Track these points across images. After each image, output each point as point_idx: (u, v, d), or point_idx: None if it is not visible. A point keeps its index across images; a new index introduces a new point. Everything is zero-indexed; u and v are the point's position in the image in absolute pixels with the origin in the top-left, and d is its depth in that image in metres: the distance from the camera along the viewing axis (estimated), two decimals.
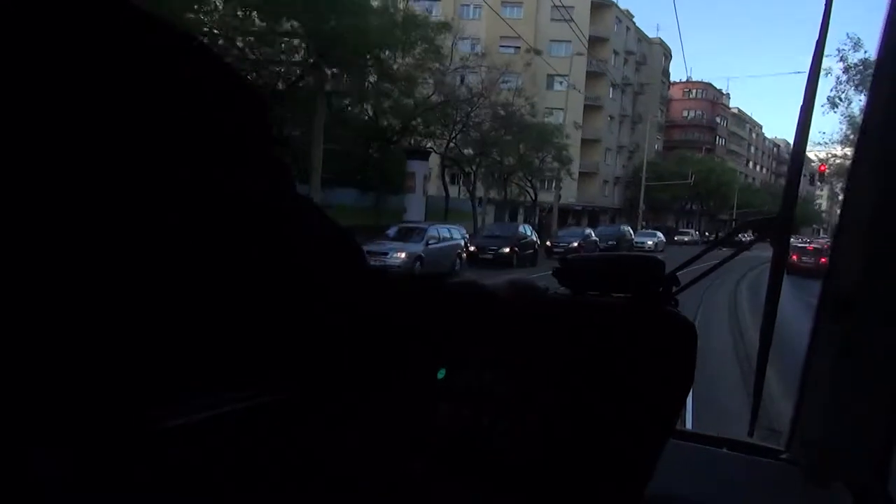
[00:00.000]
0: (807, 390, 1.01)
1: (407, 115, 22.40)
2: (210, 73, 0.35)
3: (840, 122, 28.44)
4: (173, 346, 0.29)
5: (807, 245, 20.53)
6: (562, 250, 21.17)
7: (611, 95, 49.53)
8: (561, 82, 42.29)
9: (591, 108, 47.60)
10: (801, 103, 0.94)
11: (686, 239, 47.35)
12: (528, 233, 21.09)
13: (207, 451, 0.29)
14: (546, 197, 40.97)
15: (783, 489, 0.96)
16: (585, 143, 47.36)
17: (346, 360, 0.38)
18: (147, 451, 0.28)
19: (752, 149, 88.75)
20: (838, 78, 19.17)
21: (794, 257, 18.36)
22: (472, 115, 24.92)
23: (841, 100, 19.46)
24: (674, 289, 0.74)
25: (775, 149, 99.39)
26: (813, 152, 35.82)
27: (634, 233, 33.39)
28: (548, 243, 22.98)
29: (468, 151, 26.87)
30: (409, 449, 0.46)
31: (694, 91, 71.52)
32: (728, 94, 77.40)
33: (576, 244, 22.97)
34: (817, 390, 0.99)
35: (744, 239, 0.94)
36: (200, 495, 0.29)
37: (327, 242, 0.40)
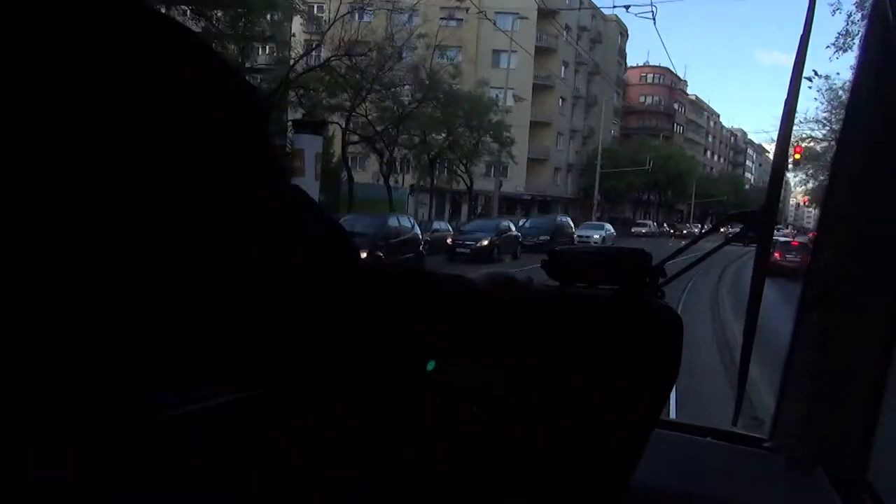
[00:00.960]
0: (789, 380, 1.03)
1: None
2: (208, 71, 0.35)
3: (817, 99, 24.71)
4: (171, 343, 0.29)
5: (790, 240, 16.74)
6: (467, 250, 16.82)
7: (563, 75, 45.35)
8: (508, 57, 37.83)
9: (541, 88, 43.30)
10: (785, 96, 0.96)
11: (644, 230, 43.77)
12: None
13: (203, 449, 0.29)
14: (489, 185, 36.68)
15: (766, 477, 0.98)
16: (535, 126, 43.13)
17: (344, 357, 0.37)
18: (144, 449, 0.28)
19: (710, 137, 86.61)
20: (850, 14, 15.48)
21: (777, 255, 14.65)
22: (382, 78, 20.05)
23: (851, 39, 15.61)
24: (660, 280, 0.75)
25: (732, 138, 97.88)
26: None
27: (579, 225, 29.13)
28: (448, 240, 17.55)
29: (395, 130, 22.23)
30: (408, 445, 0.47)
31: (651, 76, 68.33)
32: (685, 80, 74.70)
33: (486, 242, 16.83)
34: (799, 380, 1.01)
35: (728, 232, 0.96)
36: (197, 493, 0.29)
37: (324, 240, 0.40)
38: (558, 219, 25.87)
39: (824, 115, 27.41)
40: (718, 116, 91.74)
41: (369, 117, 20.87)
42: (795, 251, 15.41)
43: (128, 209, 0.28)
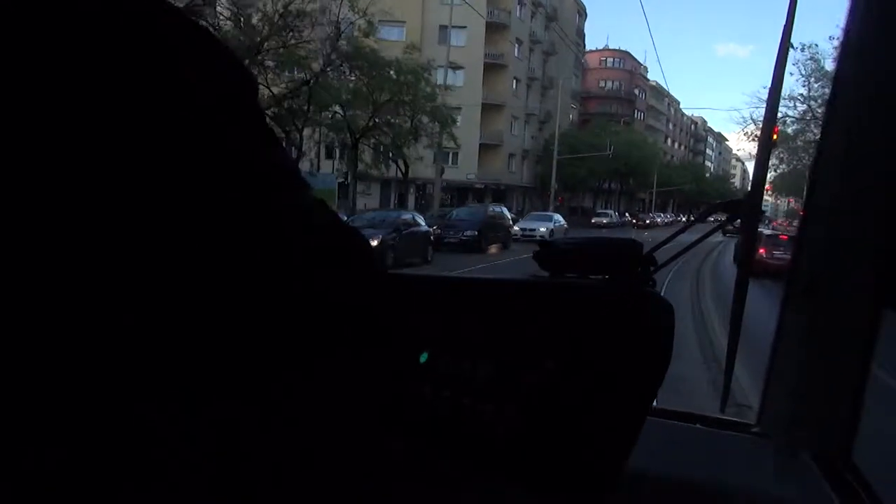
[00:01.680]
0: (775, 366, 1.05)
1: None
2: (211, 60, 0.34)
3: (793, 74, 21.84)
4: (171, 343, 0.28)
5: (778, 234, 13.76)
6: (455, 240, 15.14)
7: (517, 54, 42.07)
8: (459, 31, 34.33)
9: (493, 68, 39.95)
10: (770, 82, 1.00)
11: (604, 221, 40.83)
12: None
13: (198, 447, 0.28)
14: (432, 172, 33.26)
15: (754, 462, 1.00)
16: (488, 109, 39.81)
17: (347, 358, 0.36)
18: (141, 449, 0.27)
19: (671, 125, 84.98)
20: None
21: (762, 251, 11.74)
22: (282, 38, 16.16)
23: None
24: (650, 269, 0.76)
25: (692, 126, 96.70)
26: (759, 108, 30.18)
27: (523, 216, 25.74)
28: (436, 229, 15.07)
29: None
30: (388, 429, 0.46)
31: (611, 60, 65.81)
32: (646, 66, 72.46)
33: (375, 242, 11.99)
34: (786, 367, 1.03)
35: (715, 219, 0.98)
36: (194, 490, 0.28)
37: (333, 237, 0.38)
38: (491, 209, 20.40)
39: (801, 91, 24.89)
40: (679, 104, 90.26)
41: (273, 89, 17.02)
42: (786, 247, 12.49)
43: (122, 201, 0.27)
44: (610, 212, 43.69)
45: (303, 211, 0.36)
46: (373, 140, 22.47)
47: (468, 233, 16.33)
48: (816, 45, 22.65)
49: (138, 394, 0.27)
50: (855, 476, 0.92)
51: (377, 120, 20.81)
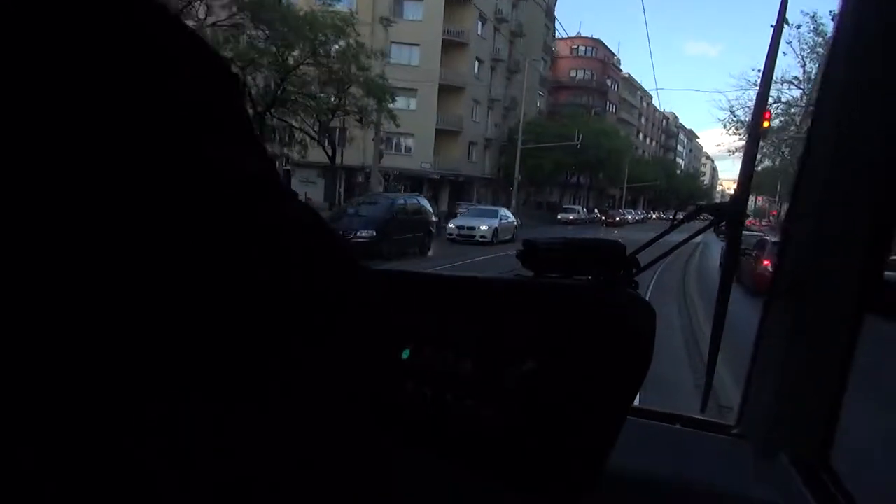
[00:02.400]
0: (756, 368, 1.06)
1: None
2: (198, 61, 0.33)
3: (787, 54, 19.05)
4: (166, 341, 0.28)
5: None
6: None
7: (480, 32, 38.33)
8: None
9: (453, 46, 36.18)
10: (760, 77, 1.03)
11: (571, 217, 37.46)
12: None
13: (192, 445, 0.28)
14: (389, 160, 29.38)
15: (733, 463, 1.01)
16: (446, 91, 36.05)
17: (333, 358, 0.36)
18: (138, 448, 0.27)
19: (643, 119, 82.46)
20: None
21: (766, 263, 8.97)
22: None
23: None
24: (633, 271, 0.78)
25: (664, 121, 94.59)
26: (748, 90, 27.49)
27: (460, 211, 21.56)
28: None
29: None
30: (376, 425, 0.46)
31: (583, 48, 62.61)
32: (618, 57, 69.61)
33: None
34: (766, 368, 1.04)
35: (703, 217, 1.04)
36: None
37: (314, 234, 0.38)
38: (402, 200, 15.41)
39: (796, 73, 21.89)
40: (651, 98, 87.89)
41: None
42: None
43: (103, 203, 0.27)
44: (577, 207, 40.45)
45: (285, 216, 0.35)
46: (297, 116, 18.58)
47: (363, 233, 12.12)
48: (818, 18, 19.57)
49: (130, 393, 0.26)
50: (832, 479, 0.93)
51: (291, 89, 16.85)
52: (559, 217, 36.77)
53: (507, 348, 0.71)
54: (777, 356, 1.01)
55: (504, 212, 20.90)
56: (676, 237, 0.90)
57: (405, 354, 0.75)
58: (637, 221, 48.46)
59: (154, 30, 0.31)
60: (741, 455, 1.01)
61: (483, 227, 17.66)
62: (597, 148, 42.38)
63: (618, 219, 40.66)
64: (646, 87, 74.44)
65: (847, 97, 0.90)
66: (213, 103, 0.33)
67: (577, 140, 36.68)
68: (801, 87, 19.91)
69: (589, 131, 41.64)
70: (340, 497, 0.35)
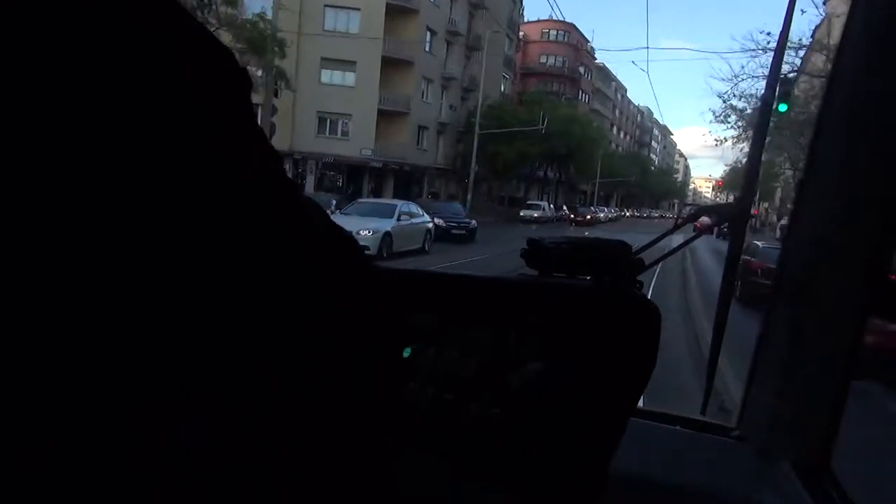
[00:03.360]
0: (758, 370, 1.06)
1: None
2: (205, 56, 0.33)
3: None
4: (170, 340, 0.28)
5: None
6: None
7: None
8: None
9: (399, 12, 30.86)
10: (769, 68, 1.21)
11: (535, 214, 32.50)
12: None
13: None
14: (323, 145, 24.14)
15: (733, 465, 1.01)
16: (392, 65, 30.79)
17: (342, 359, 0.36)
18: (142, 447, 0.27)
19: (618, 112, 78.40)
20: None
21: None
22: None
23: None
24: (638, 270, 0.78)
25: (639, 115, 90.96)
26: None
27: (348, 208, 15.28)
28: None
29: None
30: (380, 426, 0.46)
31: (555, 32, 57.92)
32: (592, 46, 65.18)
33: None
34: (768, 371, 1.04)
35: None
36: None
37: (324, 233, 0.38)
38: None
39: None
40: (626, 90, 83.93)
41: None
42: None
43: (108, 200, 0.27)
44: (542, 203, 35.53)
45: (294, 214, 0.35)
46: None
47: None
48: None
49: (131, 393, 0.26)
50: (832, 484, 0.93)
51: None
52: (521, 214, 31.89)
53: (512, 348, 0.71)
54: (779, 358, 1.00)
55: (409, 207, 14.73)
56: (674, 237, 0.91)
57: (407, 353, 0.75)
58: (610, 220, 43.93)
59: (159, 22, 0.30)
60: (742, 457, 1.01)
61: (364, 233, 11.48)
62: (566, 137, 37.61)
63: (588, 217, 35.94)
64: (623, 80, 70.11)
65: (854, 97, 0.90)
66: (220, 98, 0.33)
67: (542, 124, 31.74)
68: (823, 52, 15.23)
69: (557, 118, 36.82)
70: (341, 497, 0.34)
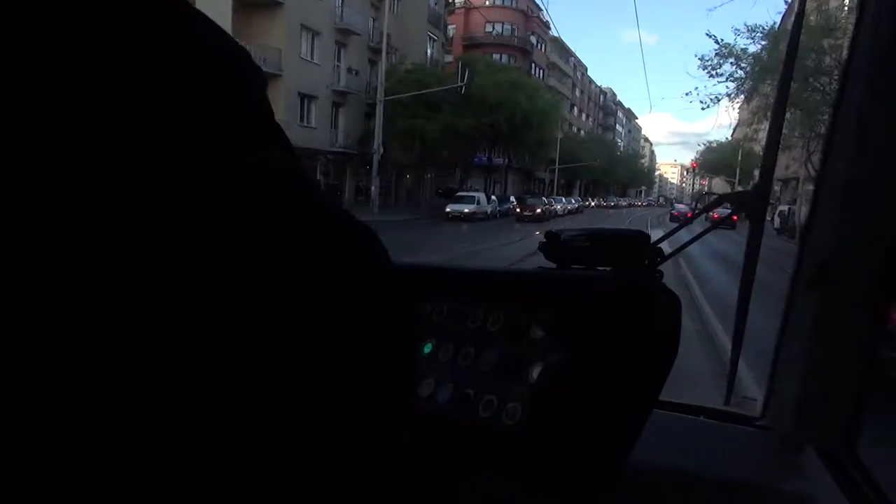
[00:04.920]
0: (781, 358, 1.05)
1: None
2: (215, 51, 0.33)
3: None
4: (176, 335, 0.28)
5: None
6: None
7: None
8: None
9: None
10: (785, 47, 0.97)
11: (467, 210, 23.98)
12: None
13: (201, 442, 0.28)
14: None
15: (758, 455, 1.01)
16: (249, 7, 21.73)
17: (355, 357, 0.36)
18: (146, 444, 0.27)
19: (578, 91, 70.58)
20: None
21: None
22: None
23: None
24: (657, 260, 0.77)
25: (602, 96, 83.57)
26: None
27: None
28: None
29: None
30: (394, 422, 0.46)
31: None
32: (548, 18, 57.13)
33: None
34: (791, 358, 1.03)
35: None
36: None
37: (341, 225, 0.37)
38: None
39: None
40: (586, 69, 76.17)
41: None
42: None
43: (114, 198, 0.27)
44: (476, 195, 26.46)
45: (306, 209, 0.34)
46: None
47: None
48: None
49: (142, 392, 0.27)
50: (860, 471, 0.93)
51: None
52: (448, 210, 23.29)
53: (531, 341, 0.71)
54: (802, 346, 0.99)
55: None
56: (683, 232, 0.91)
57: (427, 349, 0.76)
58: (569, 213, 35.60)
59: (161, 22, 0.30)
60: (767, 447, 1.01)
61: None
62: (510, 108, 29.05)
63: (538, 210, 27.36)
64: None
65: (871, 83, 0.88)
66: (233, 93, 0.33)
67: (462, 80, 23.04)
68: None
69: (496, 82, 28.28)
70: (355, 495, 0.35)
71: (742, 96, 20.13)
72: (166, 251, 0.28)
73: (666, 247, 0.81)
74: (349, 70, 26.72)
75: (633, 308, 0.70)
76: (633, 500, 0.79)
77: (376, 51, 27.81)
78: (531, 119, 30.89)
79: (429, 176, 34.24)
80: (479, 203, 25.48)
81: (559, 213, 31.91)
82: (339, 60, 26.53)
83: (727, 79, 18.63)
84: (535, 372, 0.69)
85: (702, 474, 0.94)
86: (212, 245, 0.29)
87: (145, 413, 0.26)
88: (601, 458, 0.65)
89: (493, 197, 29.80)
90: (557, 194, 47.08)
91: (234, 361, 0.29)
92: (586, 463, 0.65)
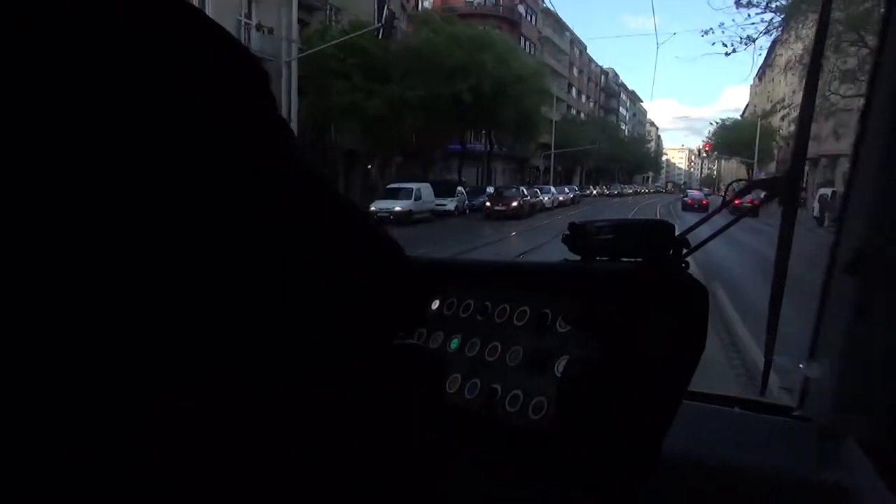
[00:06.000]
0: (818, 348, 1.03)
1: None
2: (220, 55, 0.33)
3: None
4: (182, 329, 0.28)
5: None
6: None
7: None
8: None
9: None
10: (815, 27, 0.94)
11: (398, 207, 17.60)
12: None
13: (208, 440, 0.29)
14: None
15: (796, 446, 0.99)
16: None
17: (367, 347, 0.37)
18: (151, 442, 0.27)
19: (576, 70, 64.43)
20: None
21: None
22: None
23: None
24: (684, 251, 0.77)
25: (603, 77, 77.28)
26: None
27: None
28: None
29: None
30: (420, 422, 0.49)
31: None
32: None
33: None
34: (829, 347, 1.01)
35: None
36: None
37: (357, 221, 0.38)
38: None
39: None
40: (585, 47, 69.87)
41: None
42: None
43: (124, 192, 0.27)
44: (415, 187, 19.88)
45: (306, 209, 0.34)
46: None
47: None
48: None
49: (142, 392, 0.26)
50: None
51: None
52: (373, 209, 17.26)
53: (557, 335, 0.71)
54: (840, 334, 0.96)
55: None
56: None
57: (454, 345, 0.77)
58: (562, 204, 29.61)
59: (165, 22, 0.30)
60: (804, 438, 0.99)
61: None
62: (474, 73, 23.09)
63: (514, 204, 21.31)
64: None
65: None
66: (233, 93, 0.33)
67: (382, 21, 17.20)
68: None
69: (452, 39, 22.39)
70: (382, 490, 0.34)
71: (777, 31, 14.56)
72: (166, 251, 0.27)
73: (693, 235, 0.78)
74: (258, 27, 20.52)
75: (661, 300, 0.69)
76: (668, 490, 0.77)
77: (310, 9, 21.94)
78: (505, 89, 24.88)
79: (394, 166, 28.40)
80: (418, 198, 19.41)
81: (546, 205, 25.97)
82: (245, 15, 20.40)
83: (766, 6, 12.84)
84: (561, 366, 0.69)
85: (738, 465, 0.92)
86: (212, 245, 0.28)
87: (146, 412, 0.26)
88: (630, 453, 0.64)
89: (461, 189, 23.87)
90: (555, 182, 41.21)
91: (236, 361, 0.28)
92: (616, 453, 0.64)
